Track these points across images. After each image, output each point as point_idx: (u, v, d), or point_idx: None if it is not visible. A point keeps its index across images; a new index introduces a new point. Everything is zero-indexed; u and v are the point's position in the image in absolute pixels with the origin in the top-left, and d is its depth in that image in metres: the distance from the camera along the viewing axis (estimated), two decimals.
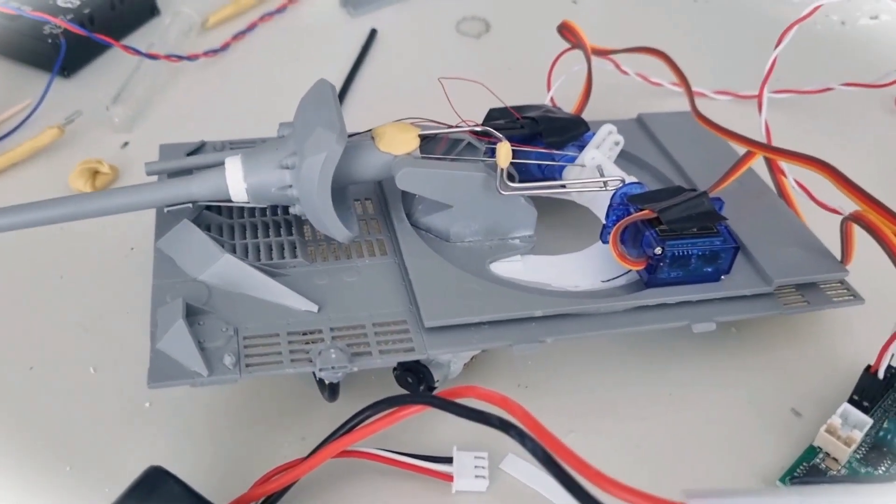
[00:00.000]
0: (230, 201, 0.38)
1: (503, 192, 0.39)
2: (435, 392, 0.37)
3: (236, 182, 0.37)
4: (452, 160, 0.41)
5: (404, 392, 0.38)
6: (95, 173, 0.50)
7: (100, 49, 0.60)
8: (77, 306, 0.44)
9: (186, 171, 0.41)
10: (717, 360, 0.42)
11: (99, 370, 0.41)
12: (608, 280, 0.40)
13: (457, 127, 0.41)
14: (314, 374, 0.35)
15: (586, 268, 0.41)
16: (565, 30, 0.49)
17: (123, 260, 0.46)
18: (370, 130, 0.40)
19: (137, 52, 0.54)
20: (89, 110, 0.54)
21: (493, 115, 0.45)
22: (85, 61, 0.59)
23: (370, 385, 0.39)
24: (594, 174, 0.42)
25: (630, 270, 0.40)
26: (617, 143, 0.43)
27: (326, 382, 0.35)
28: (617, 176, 0.41)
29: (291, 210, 0.38)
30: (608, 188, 0.41)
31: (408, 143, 0.39)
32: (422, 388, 0.37)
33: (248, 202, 0.38)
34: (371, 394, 0.36)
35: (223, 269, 0.37)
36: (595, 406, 0.40)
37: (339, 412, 0.37)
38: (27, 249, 0.47)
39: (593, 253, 0.42)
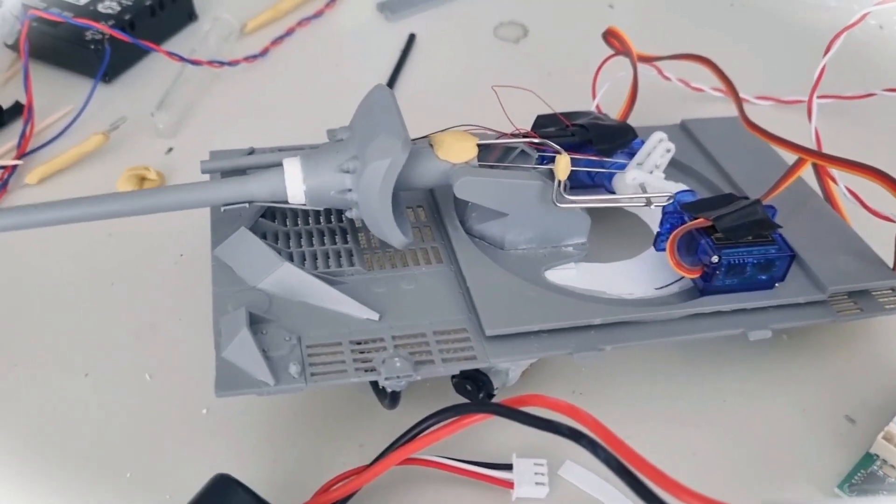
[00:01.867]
0: (286, 203, 0.38)
1: (559, 205, 0.39)
2: (494, 399, 0.38)
3: (295, 183, 0.37)
4: (506, 167, 0.41)
5: (462, 399, 0.38)
6: (142, 179, 0.50)
7: (139, 54, 0.60)
8: (129, 313, 0.44)
9: (240, 172, 0.41)
10: (769, 367, 0.42)
11: (155, 377, 0.41)
12: (661, 287, 0.41)
13: (513, 136, 0.41)
14: (373, 381, 0.35)
15: (639, 275, 0.41)
16: (611, 36, 0.49)
17: (173, 266, 0.47)
18: (426, 137, 0.40)
19: (181, 59, 0.55)
20: (132, 116, 0.55)
21: (540, 122, 0.45)
22: (125, 67, 0.59)
23: (425, 391, 0.39)
24: (646, 180, 0.42)
25: (682, 278, 0.40)
26: (668, 151, 0.44)
27: (389, 390, 0.35)
28: (664, 192, 0.41)
29: (347, 214, 0.39)
30: (653, 205, 0.41)
31: (466, 151, 0.39)
32: (481, 395, 0.37)
33: (305, 204, 0.38)
34: (426, 400, 0.36)
35: (283, 277, 0.37)
36: (649, 413, 0.40)
37: (396, 418, 0.37)
38: (77, 256, 0.47)
39: (645, 260, 0.42)
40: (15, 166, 0.52)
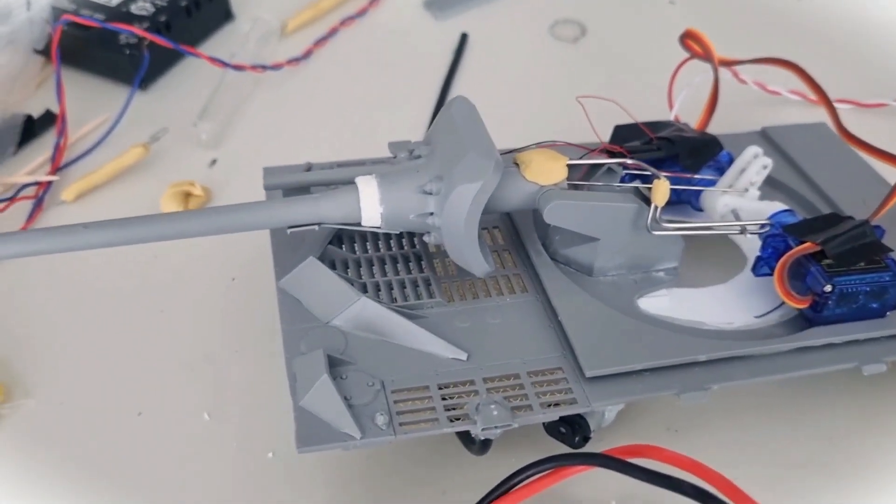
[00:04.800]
0: (358, 225, 0.35)
1: (654, 233, 0.36)
2: (590, 442, 0.35)
3: (371, 205, 0.34)
4: (591, 186, 0.38)
5: (554, 441, 0.35)
6: (188, 195, 0.47)
7: (174, 58, 0.57)
8: (182, 344, 0.41)
9: (303, 190, 0.38)
10: (876, 402, 0.39)
11: (213, 415, 0.38)
12: (762, 315, 0.38)
13: (603, 156, 0.38)
14: None
15: (735, 301, 0.38)
16: (689, 39, 0.46)
17: (224, 292, 0.44)
18: (511, 154, 0.37)
19: (224, 64, 0.51)
20: (171, 125, 0.51)
21: (621, 134, 0.42)
22: (159, 71, 0.56)
23: (512, 432, 0.36)
24: (738, 205, 0.39)
25: (783, 304, 0.37)
26: (765, 167, 0.40)
27: (481, 438, 0.32)
28: (759, 220, 0.38)
29: (425, 239, 0.35)
30: (748, 233, 0.38)
31: (556, 172, 0.36)
32: (577, 438, 0.34)
33: (380, 227, 0.35)
34: (513, 441, 0.33)
35: (359, 312, 0.34)
36: (751, 451, 0.37)
37: (481, 461, 0.34)
38: (122, 280, 0.44)
39: (740, 284, 0.39)
40: (50, 182, 0.49)
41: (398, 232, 0.36)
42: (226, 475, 0.36)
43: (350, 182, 0.35)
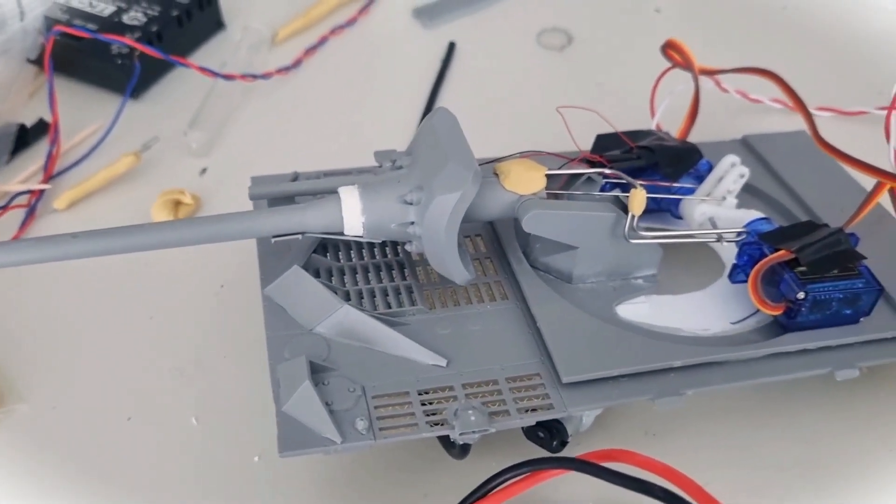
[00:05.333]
0: (340, 234, 0.36)
1: (631, 241, 0.37)
2: (568, 447, 0.35)
3: (353, 215, 0.35)
4: (570, 195, 0.39)
5: (532, 445, 0.35)
6: (178, 203, 0.48)
7: (165, 67, 0.57)
8: (170, 350, 0.42)
9: (289, 199, 0.39)
10: (851, 404, 0.39)
11: (201, 420, 0.39)
12: (738, 322, 0.38)
13: (580, 163, 0.39)
14: None
15: (713, 308, 0.39)
16: (670, 49, 0.47)
17: (213, 298, 0.44)
18: (491, 164, 0.37)
19: (214, 74, 0.52)
20: (162, 134, 0.52)
21: (602, 143, 0.43)
22: (151, 81, 0.57)
23: (491, 436, 0.37)
24: (716, 213, 0.40)
25: (758, 310, 0.38)
26: (742, 176, 0.41)
27: (460, 443, 0.33)
28: (735, 228, 0.39)
29: (407, 248, 0.36)
30: (724, 241, 0.39)
31: (535, 182, 0.36)
32: (554, 443, 0.35)
33: (362, 236, 0.36)
34: (493, 446, 0.34)
35: (342, 320, 0.35)
36: (729, 455, 0.37)
37: (460, 465, 0.35)
38: (112, 287, 0.45)
39: (717, 291, 0.40)
40: (42, 191, 0.50)
41: (380, 241, 0.37)
42: (213, 478, 0.37)
43: (334, 192, 0.36)
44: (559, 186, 0.39)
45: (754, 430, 0.38)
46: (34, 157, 0.52)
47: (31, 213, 0.49)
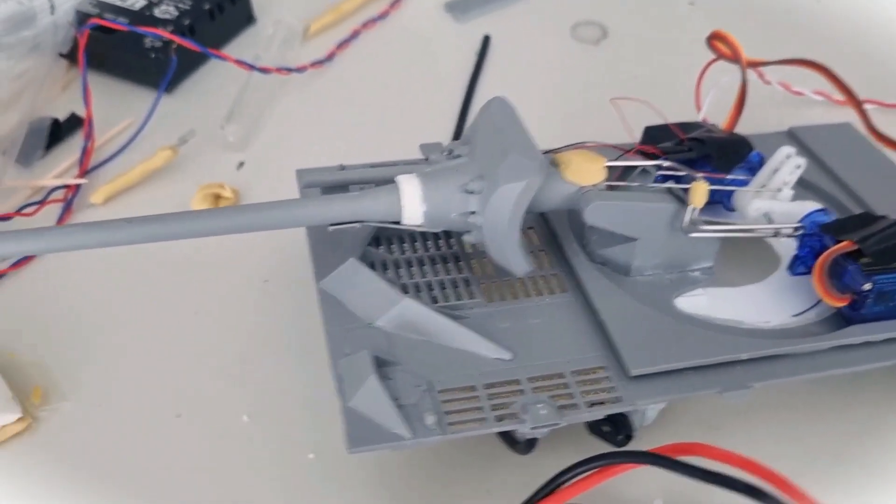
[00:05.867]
0: (396, 224, 0.35)
1: (690, 235, 0.36)
2: (634, 441, 0.35)
3: (413, 203, 0.34)
4: (626, 187, 0.38)
5: (596, 440, 0.35)
6: (217, 197, 0.47)
7: (197, 61, 0.57)
8: (218, 347, 0.41)
9: (341, 189, 0.39)
10: None
11: (253, 418, 0.38)
12: (799, 314, 0.38)
13: (640, 156, 0.38)
14: None
15: (772, 300, 0.38)
16: (716, 40, 0.46)
17: (258, 294, 0.44)
18: (548, 154, 0.37)
19: (250, 67, 0.51)
20: (197, 128, 0.51)
21: (652, 134, 0.42)
22: (183, 75, 0.56)
23: (552, 431, 0.36)
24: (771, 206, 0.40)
25: (820, 302, 0.37)
26: (798, 167, 0.41)
27: (526, 437, 0.32)
28: (792, 223, 0.39)
29: (465, 238, 0.36)
30: (781, 236, 0.39)
31: (596, 173, 0.36)
32: (620, 437, 0.34)
33: (420, 226, 0.35)
34: (554, 439, 0.33)
35: (403, 313, 0.34)
36: (794, 449, 0.37)
37: (522, 460, 0.34)
38: (155, 285, 0.44)
39: (776, 283, 0.39)
40: (79, 185, 0.49)
41: (436, 231, 0.36)
42: (267, 477, 0.36)
43: (388, 181, 0.35)
44: (614, 178, 0.39)
45: (813, 423, 0.38)
46: (68, 152, 0.52)
47: (67, 207, 0.48)
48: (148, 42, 0.54)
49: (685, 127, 0.43)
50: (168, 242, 0.34)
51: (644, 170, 0.39)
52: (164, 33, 0.51)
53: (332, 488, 0.36)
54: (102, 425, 0.39)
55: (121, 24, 0.51)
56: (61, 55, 0.54)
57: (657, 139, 0.42)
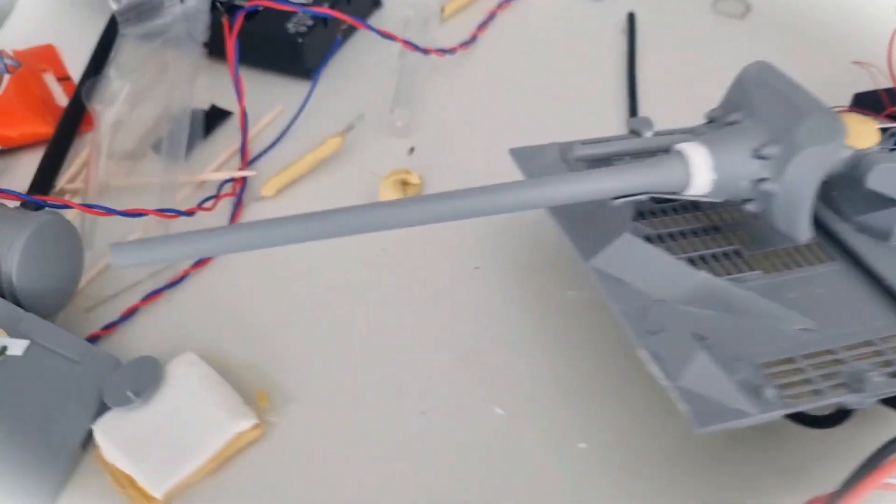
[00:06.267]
0: (674, 194, 0.33)
1: None
2: None
3: (703, 172, 0.32)
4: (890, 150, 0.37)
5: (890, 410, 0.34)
6: (405, 184, 0.45)
7: (329, 47, 0.54)
8: (446, 338, 0.40)
9: (604, 162, 0.37)
10: None
11: (507, 410, 0.36)
12: None
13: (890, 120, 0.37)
14: None
15: None
16: None
17: (469, 281, 0.42)
18: None
19: (416, 48, 0.49)
20: (348, 114, 0.49)
21: (861, 101, 0.42)
22: (322, 61, 0.53)
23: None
24: None
25: None
26: None
27: (854, 408, 0.31)
28: None
29: (747, 207, 0.34)
30: None
31: (871, 135, 0.35)
32: None
33: (705, 196, 0.33)
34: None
35: (701, 288, 0.33)
36: None
37: (809, 434, 0.33)
38: (355, 279, 0.42)
39: None
40: (245, 178, 0.46)
41: (719, 200, 0.34)
42: (533, 467, 0.35)
43: (656, 152, 0.34)
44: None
45: None
46: (214, 145, 0.49)
47: (238, 201, 0.45)
48: (291, 27, 0.51)
49: (891, 94, 0.42)
50: (360, 236, 0.31)
51: (893, 135, 0.38)
52: (336, 13, 0.48)
53: (606, 477, 0.34)
54: (338, 426, 0.36)
55: (292, 4, 0.49)
56: (203, 45, 0.51)
57: (867, 106, 0.41)
